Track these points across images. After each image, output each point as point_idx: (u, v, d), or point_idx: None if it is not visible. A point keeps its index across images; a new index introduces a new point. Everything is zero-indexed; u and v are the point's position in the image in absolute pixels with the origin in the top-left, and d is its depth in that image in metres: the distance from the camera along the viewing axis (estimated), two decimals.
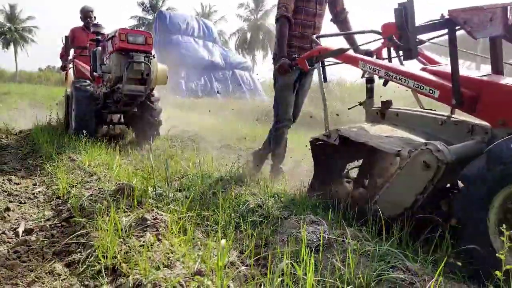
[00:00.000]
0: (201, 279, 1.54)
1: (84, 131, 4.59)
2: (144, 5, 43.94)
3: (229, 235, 2.15)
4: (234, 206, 2.67)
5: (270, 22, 44.59)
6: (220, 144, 6.41)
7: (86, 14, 6.74)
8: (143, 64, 4.62)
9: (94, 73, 5.45)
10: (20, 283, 1.73)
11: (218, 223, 2.46)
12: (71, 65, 6.94)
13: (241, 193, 2.87)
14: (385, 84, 2.60)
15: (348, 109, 3.11)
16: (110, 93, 5.15)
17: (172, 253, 1.79)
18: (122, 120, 6.38)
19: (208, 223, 2.47)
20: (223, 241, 1.72)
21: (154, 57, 4.79)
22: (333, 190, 2.65)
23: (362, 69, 2.57)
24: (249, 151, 4.64)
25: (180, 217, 2.16)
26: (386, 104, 2.74)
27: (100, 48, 5.33)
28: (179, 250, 1.79)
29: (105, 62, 5.07)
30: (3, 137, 6.01)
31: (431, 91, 2.18)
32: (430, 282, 1.57)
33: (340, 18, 3.56)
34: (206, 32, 20.67)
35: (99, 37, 5.61)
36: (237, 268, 1.88)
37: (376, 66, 2.46)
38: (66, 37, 6.63)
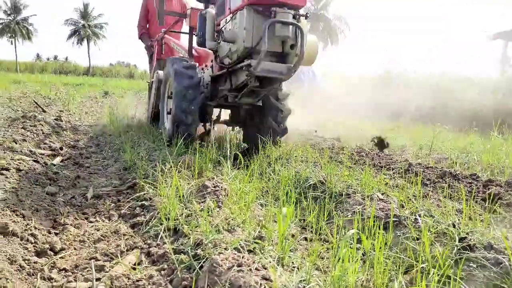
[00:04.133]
0: (262, 243, 1.48)
1: (183, 135, 3.27)
2: None
3: (290, 209, 2.08)
4: (295, 182, 2.59)
5: (331, 11, 43.47)
6: None
7: None
8: (290, 27, 2.90)
9: (200, 47, 3.74)
10: (87, 240, 1.79)
11: (279, 198, 2.40)
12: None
13: (302, 170, 2.77)
14: None
15: None
16: (228, 75, 3.47)
17: (232, 219, 1.74)
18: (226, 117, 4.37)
19: (267, 199, 2.41)
20: (284, 209, 1.65)
21: (306, 18, 3.04)
22: None
23: None
24: None
25: (239, 188, 2.12)
26: None
27: (211, 10, 3.63)
28: (240, 216, 1.75)
29: (223, 28, 3.34)
30: (76, 119, 6.41)
31: None
32: None
33: None
34: None
35: None
36: (297, 238, 1.80)
37: None
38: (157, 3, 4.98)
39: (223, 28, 3.31)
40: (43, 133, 4.17)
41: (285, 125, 3.81)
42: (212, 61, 3.79)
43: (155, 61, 5.37)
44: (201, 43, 3.55)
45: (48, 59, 52.15)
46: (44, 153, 3.30)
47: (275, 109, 3.73)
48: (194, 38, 3.81)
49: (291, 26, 2.89)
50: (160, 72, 4.41)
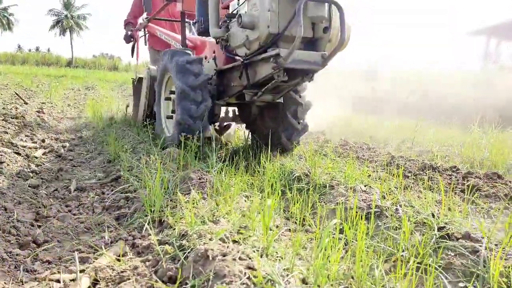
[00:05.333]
0: (247, 234, 1.50)
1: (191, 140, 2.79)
2: None
3: (274, 201, 2.10)
4: (280, 174, 2.61)
5: None
6: None
7: None
8: (326, 6, 2.48)
9: (200, 36, 3.28)
10: (71, 232, 1.78)
11: (264, 190, 2.42)
12: (141, 33, 4.82)
13: (286, 163, 2.80)
14: None
15: None
16: (243, 68, 2.83)
17: (217, 210, 1.76)
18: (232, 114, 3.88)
19: (252, 191, 2.43)
20: (269, 200, 1.67)
21: None
22: None
23: None
24: None
25: (225, 179, 2.13)
26: None
27: None
28: (225, 208, 1.76)
29: (235, 11, 2.76)
30: (59, 112, 6.31)
31: None
32: (498, 251, 1.42)
33: None
34: None
35: None
36: (281, 229, 1.83)
37: None
38: None
39: (235, 11, 2.76)
40: (24, 125, 4.09)
41: (305, 121, 3.34)
42: (214, 52, 3.28)
43: (138, 54, 4.87)
44: (203, 32, 3.06)
45: (30, 50, 51.00)
46: (26, 145, 3.24)
47: (294, 104, 3.23)
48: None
49: (326, 4, 2.45)
50: (152, 68, 3.80)
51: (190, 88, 2.86)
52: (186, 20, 3.86)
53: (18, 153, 2.90)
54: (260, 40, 2.53)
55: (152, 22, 4.51)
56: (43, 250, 1.60)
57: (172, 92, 3.32)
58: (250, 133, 3.70)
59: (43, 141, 3.62)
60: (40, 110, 5.51)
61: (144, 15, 4.70)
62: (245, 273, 1.22)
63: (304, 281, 1.27)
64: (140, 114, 4.06)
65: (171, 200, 1.85)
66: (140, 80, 4.18)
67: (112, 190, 2.29)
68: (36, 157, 3.01)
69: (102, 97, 7.31)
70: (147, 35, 4.65)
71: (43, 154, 3.19)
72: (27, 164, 2.70)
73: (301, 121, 3.30)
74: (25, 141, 3.44)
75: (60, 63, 41.40)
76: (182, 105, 2.86)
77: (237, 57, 2.88)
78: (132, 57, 5.01)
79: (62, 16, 49.83)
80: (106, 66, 41.41)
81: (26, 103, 6.03)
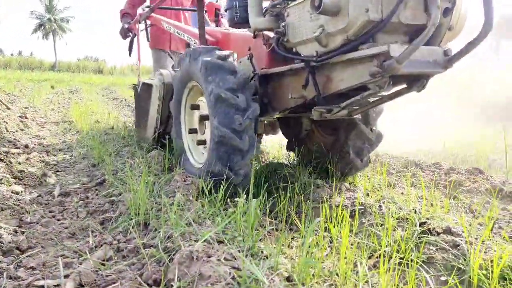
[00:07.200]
0: (232, 234, 1.51)
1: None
2: None
3: (260, 200, 2.11)
4: (266, 174, 2.63)
5: None
6: None
7: None
8: None
9: (222, 29, 2.67)
10: (55, 238, 1.76)
11: (249, 190, 2.43)
12: (141, 26, 3.78)
13: (272, 162, 2.82)
14: None
15: None
16: (309, 73, 2.02)
17: (202, 212, 1.76)
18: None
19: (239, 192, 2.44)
20: (254, 201, 1.68)
21: None
22: None
23: None
24: None
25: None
26: None
27: None
28: (210, 209, 1.77)
29: None
30: (42, 116, 6.23)
31: None
32: (477, 244, 1.46)
33: None
34: None
35: None
36: (267, 229, 1.84)
37: None
38: None
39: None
40: (7, 130, 4.03)
41: (378, 129, 2.56)
42: (249, 49, 2.47)
43: (139, 52, 3.83)
44: (238, 22, 2.38)
45: (12, 54, 50.09)
46: (8, 151, 3.19)
47: (361, 137, 2.49)
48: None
49: None
50: (165, 72, 2.99)
51: (229, 90, 2.07)
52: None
53: (0, 159, 2.86)
54: (348, 31, 1.71)
55: (157, 12, 3.58)
56: (26, 256, 1.58)
57: (194, 108, 2.50)
58: (297, 153, 2.84)
59: (26, 146, 3.57)
60: (23, 115, 5.43)
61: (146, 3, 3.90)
62: (230, 273, 1.23)
63: (288, 279, 1.29)
64: (150, 133, 3.12)
65: (156, 203, 1.85)
66: (145, 86, 3.17)
67: (96, 195, 2.27)
68: (19, 163, 2.97)
69: (86, 100, 7.24)
70: (149, 29, 3.74)
71: (26, 159, 3.15)
72: (9, 170, 2.66)
73: (373, 128, 2.52)
74: (8, 146, 3.39)
75: (43, 66, 40.74)
76: (221, 115, 2.06)
77: (294, 57, 2.09)
78: (130, 55, 4.10)
79: (44, 19, 49.08)
80: (91, 69, 40.84)
81: (8, 108, 5.92)
